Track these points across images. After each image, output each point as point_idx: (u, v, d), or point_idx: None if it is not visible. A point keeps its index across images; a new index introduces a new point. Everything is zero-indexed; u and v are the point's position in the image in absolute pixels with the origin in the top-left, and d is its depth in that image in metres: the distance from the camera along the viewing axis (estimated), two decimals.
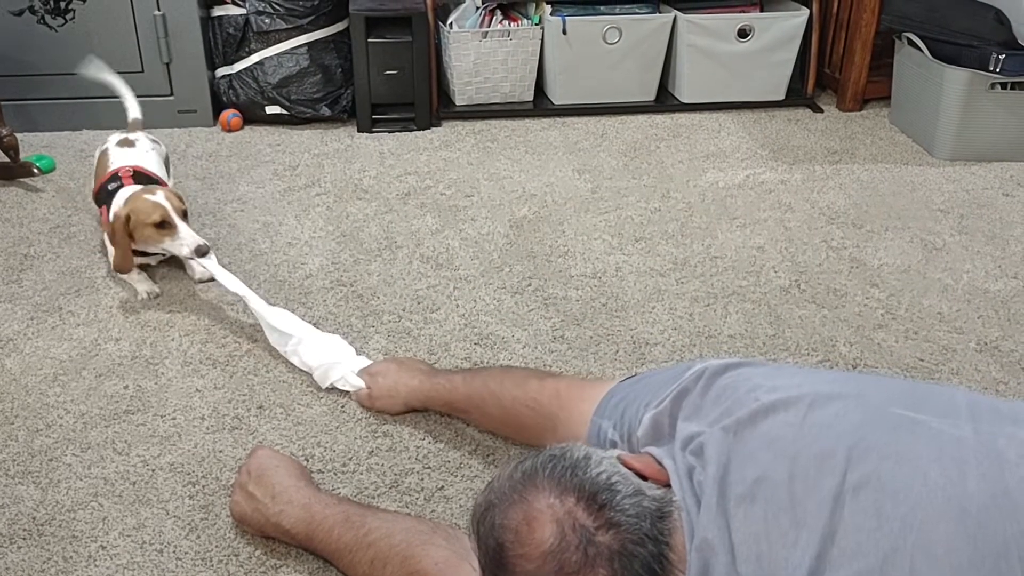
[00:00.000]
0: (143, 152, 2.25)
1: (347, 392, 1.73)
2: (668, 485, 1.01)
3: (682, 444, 1.03)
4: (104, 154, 2.24)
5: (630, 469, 1.01)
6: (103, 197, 2.12)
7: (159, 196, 1.98)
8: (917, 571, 0.82)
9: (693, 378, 1.09)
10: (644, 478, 1.01)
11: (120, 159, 2.19)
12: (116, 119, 2.95)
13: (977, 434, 0.91)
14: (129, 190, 2.06)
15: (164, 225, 1.95)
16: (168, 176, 2.31)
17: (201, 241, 1.94)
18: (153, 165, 2.23)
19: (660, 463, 1.04)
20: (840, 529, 0.86)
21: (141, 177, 2.14)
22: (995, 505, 0.84)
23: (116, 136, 2.30)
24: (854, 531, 0.86)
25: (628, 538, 0.93)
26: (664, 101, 3.21)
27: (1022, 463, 0.87)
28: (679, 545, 0.95)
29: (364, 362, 1.76)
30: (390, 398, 1.65)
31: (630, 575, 0.92)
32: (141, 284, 2.06)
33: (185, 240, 1.94)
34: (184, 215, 1.98)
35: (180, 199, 2.01)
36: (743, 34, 3.09)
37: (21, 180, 2.62)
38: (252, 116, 3.03)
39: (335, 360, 1.74)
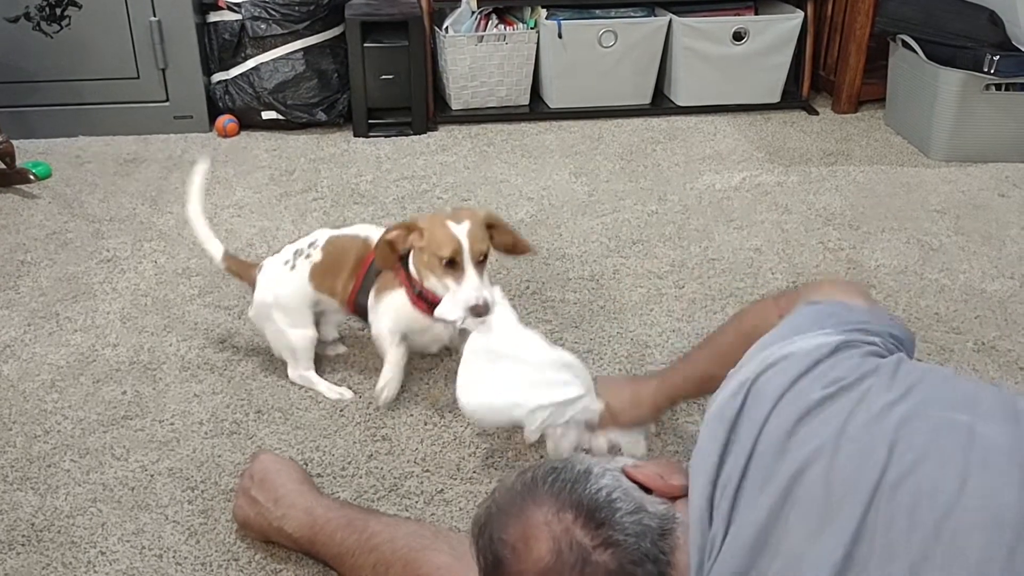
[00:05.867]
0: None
1: (346, 395, 1.73)
2: (674, 498, 0.99)
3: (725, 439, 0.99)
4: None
5: (634, 482, 0.99)
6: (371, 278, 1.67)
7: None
8: None
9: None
10: (648, 491, 0.99)
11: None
12: (111, 125, 2.97)
13: (1016, 438, 0.88)
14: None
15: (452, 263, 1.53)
16: None
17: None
18: None
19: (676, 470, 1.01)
20: (872, 528, 0.84)
21: None
22: None
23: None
24: (886, 531, 0.83)
25: (626, 558, 0.91)
26: (660, 104, 3.22)
27: None
28: (681, 564, 0.93)
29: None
30: (637, 406, 1.48)
31: None
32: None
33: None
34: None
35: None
36: (738, 37, 3.09)
37: (17, 187, 2.62)
38: (248, 121, 3.03)
39: (559, 399, 1.44)
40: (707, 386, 1.36)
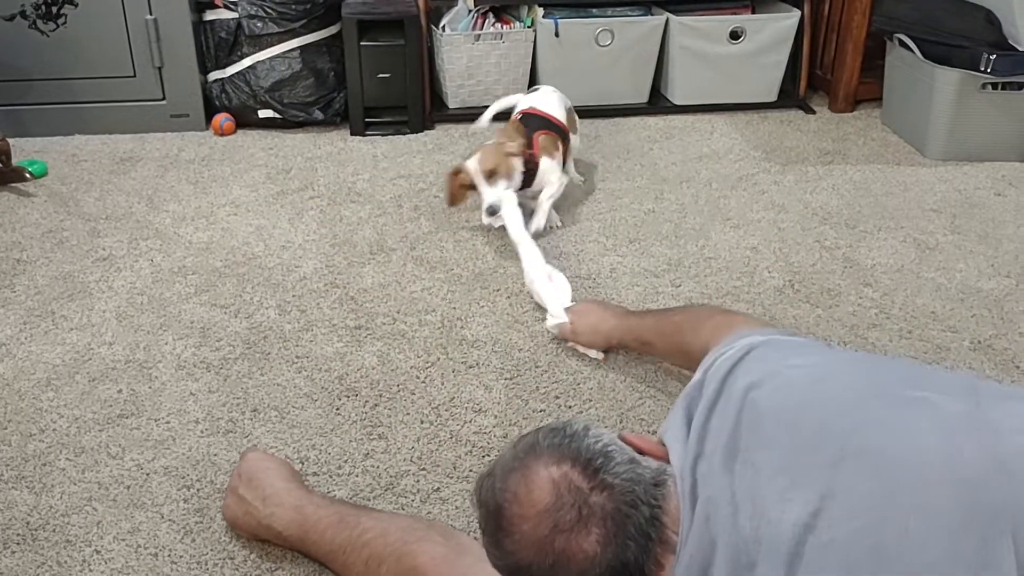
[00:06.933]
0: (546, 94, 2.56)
1: (345, 393, 1.73)
2: (667, 461, 1.04)
3: (697, 417, 1.07)
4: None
5: (628, 444, 1.05)
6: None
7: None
8: (912, 532, 0.85)
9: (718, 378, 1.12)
10: (642, 453, 1.04)
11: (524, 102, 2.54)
12: (107, 124, 2.97)
13: (972, 408, 0.95)
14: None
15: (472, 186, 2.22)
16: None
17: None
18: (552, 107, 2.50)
19: (663, 441, 1.08)
20: (838, 490, 0.89)
21: (530, 118, 2.43)
22: (988, 473, 0.88)
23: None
24: (851, 492, 0.89)
25: (622, 499, 0.96)
26: (657, 103, 3.22)
27: (1015, 433, 0.92)
28: (673, 509, 0.98)
29: (566, 302, 1.92)
30: (594, 333, 1.81)
31: (623, 535, 0.95)
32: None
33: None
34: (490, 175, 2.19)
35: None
36: (735, 36, 3.09)
37: (13, 185, 2.61)
38: (245, 120, 3.03)
39: (552, 295, 1.94)
40: (648, 349, 1.73)
